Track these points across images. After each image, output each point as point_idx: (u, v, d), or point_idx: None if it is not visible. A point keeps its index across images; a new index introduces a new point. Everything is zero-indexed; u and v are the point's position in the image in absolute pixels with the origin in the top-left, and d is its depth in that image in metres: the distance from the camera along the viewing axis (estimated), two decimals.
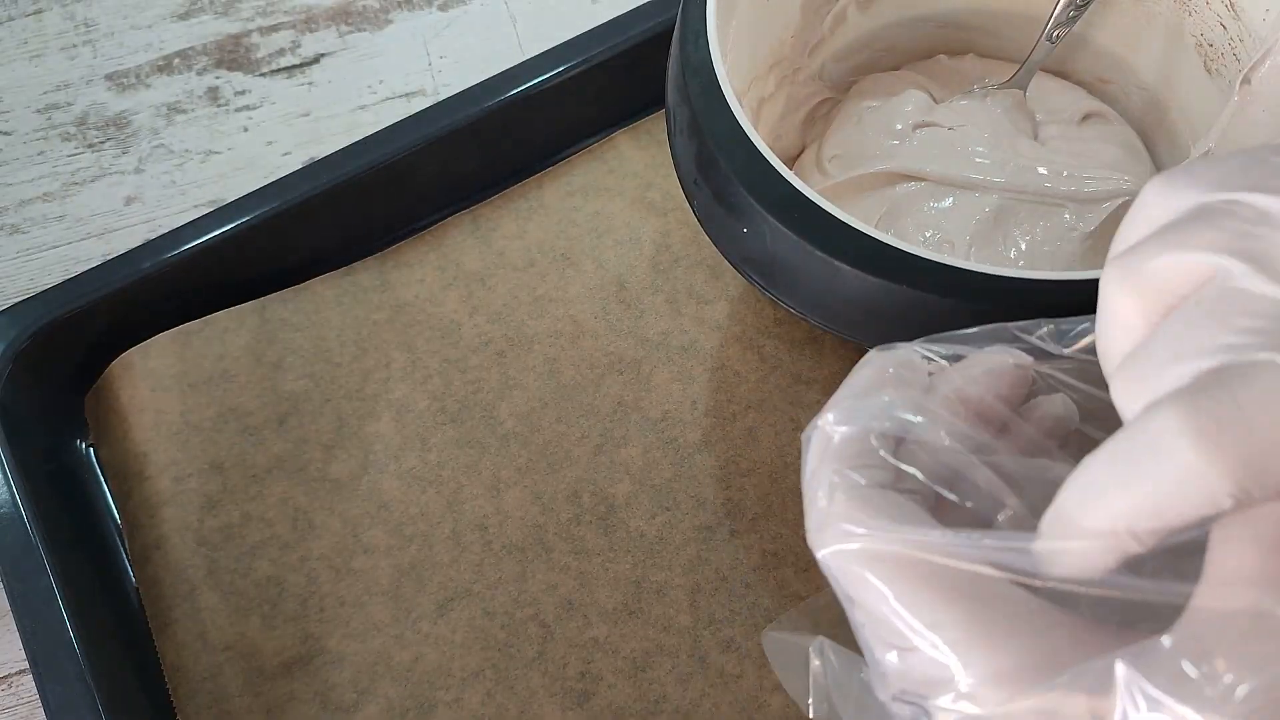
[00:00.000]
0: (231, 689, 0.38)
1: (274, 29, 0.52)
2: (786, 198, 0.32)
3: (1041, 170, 0.40)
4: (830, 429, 0.24)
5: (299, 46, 0.52)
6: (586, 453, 0.41)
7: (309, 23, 0.53)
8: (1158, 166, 0.43)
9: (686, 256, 0.44)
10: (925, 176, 0.40)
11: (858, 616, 0.23)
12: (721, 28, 0.35)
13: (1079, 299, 0.29)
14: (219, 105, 0.51)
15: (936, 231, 0.39)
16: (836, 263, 0.32)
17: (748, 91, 0.40)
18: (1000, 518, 0.23)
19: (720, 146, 0.33)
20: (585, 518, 0.40)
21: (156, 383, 0.42)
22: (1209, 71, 0.40)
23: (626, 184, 0.46)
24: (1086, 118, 0.43)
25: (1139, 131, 0.44)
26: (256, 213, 0.43)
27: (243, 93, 0.51)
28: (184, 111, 0.51)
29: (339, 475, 0.41)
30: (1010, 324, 0.26)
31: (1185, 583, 0.20)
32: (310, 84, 0.51)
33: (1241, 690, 0.18)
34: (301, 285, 0.44)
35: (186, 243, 0.43)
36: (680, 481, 0.41)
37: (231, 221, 0.43)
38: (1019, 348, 0.26)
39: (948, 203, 0.40)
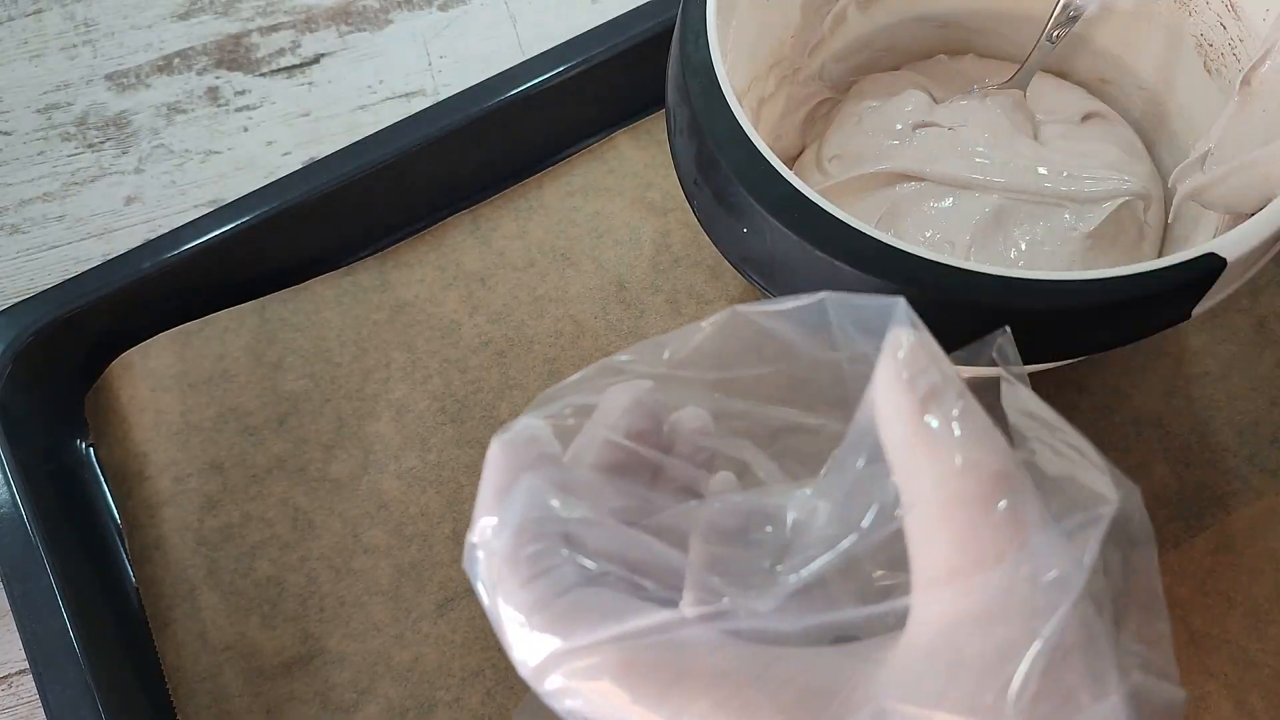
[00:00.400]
0: (231, 689, 0.38)
1: (274, 29, 0.52)
2: (787, 197, 0.32)
3: (1041, 170, 0.40)
4: (492, 544, 0.22)
5: (299, 46, 0.52)
6: None
7: (309, 23, 0.53)
8: (1158, 166, 0.43)
9: (686, 257, 0.44)
10: (925, 177, 0.40)
11: None
12: (722, 27, 0.35)
13: (1079, 299, 0.29)
14: (219, 105, 0.51)
15: (936, 231, 0.39)
16: (837, 263, 0.31)
17: (748, 91, 0.40)
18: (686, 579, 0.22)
19: (720, 146, 0.33)
20: None
21: (156, 383, 0.42)
22: (1209, 71, 0.40)
23: (626, 184, 0.46)
24: (1087, 118, 0.43)
25: (1139, 131, 0.43)
26: (256, 213, 0.43)
27: (243, 93, 0.51)
28: (184, 111, 0.51)
29: (339, 475, 0.41)
30: (608, 359, 0.26)
31: (888, 600, 0.21)
32: (310, 84, 0.51)
33: None
34: (301, 285, 0.44)
35: (186, 243, 0.43)
36: None
37: (231, 222, 0.43)
38: (625, 378, 0.25)
39: (948, 203, 0.40)
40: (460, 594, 0.39)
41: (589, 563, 0.22)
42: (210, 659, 0.39)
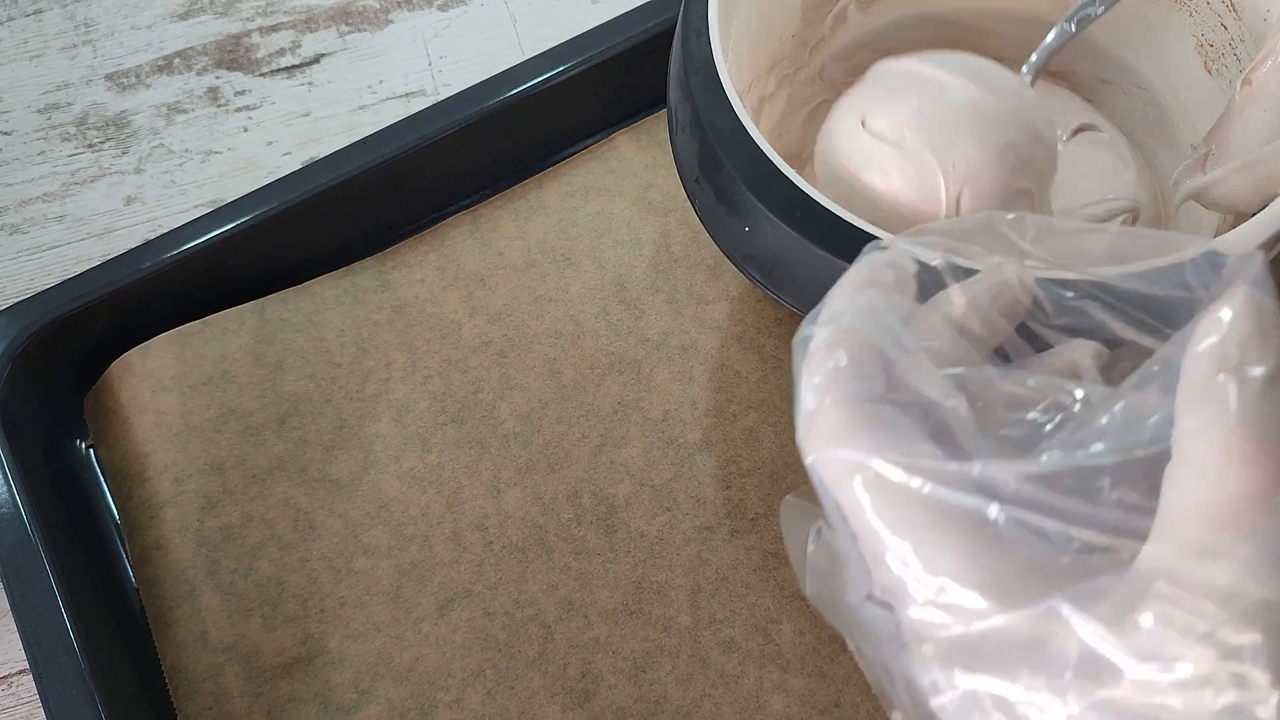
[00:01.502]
0: (232, 689, 0.38)
1: (274, 29, 0.52)
2: (788, 196, 0.32)
3: None
4: (825, 334, 0.23)
5: (299, 46, 0.52)
6: (587, 453, 0.41)
7: (309, 23, 0.53)
8: (1153, 169, 0.43)
9: (687, 256, 0.44)
10: None
11: (836, 519, 0.23)
12: (723, 26, 0.35)
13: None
14: (219, 105, 0.51)
15: None
16: (839, 261, 0.31)
17: (749, 91, 0.40)
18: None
19: (722, 144, 0.33)
20: (585, 518, 0.40)
21: (157, 384, 0.42)
22: (1209, 72, 0.40)
23: (627, 184, 0.46)
24: (1078, 131, 0.43)
25: (1139, 132, 0.44)
26: (256, 213, 0.43)
27: (243, 93, 0.51)
28: (184, 111, 0.51)
29: (339, 476, 0.41)
30: (996, 214, 0.26)
31: (1143, 517, 0.21)
32: (310, 84, 0.51)
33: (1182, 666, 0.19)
34: (301, 286, 0.44)
35: (186, 243, 0.42)
36: (681, 482, 0.41)
37: (231, 222, 0.43)
38: (1007, 244, 0.26)
39: None
40: (461, 594, 0.39)
41: (916, 386, 0.23)
42: (211, 659, 0.39)
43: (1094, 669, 0.20)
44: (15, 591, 0.38)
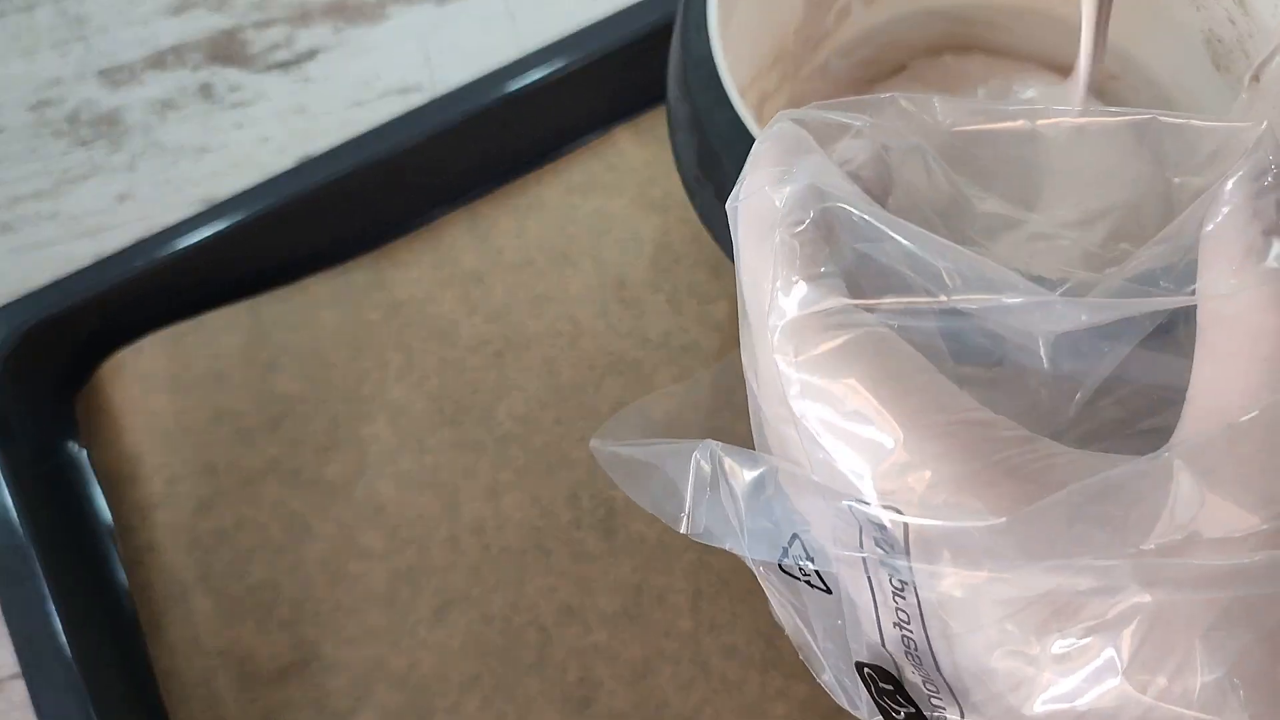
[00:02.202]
0: (225, 694, 0.38)
1: (268, 24, 0.52)
2: None
3: None
4: (773, 192, 0.21)
5: (293, 42, 0.52)
6: (586, 455, 0.41)
7: (303, 18, 0.52)
8: (1161, 165, 0.43)
9: (688, 255, 0.44)
10: None
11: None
12: (723, 22, 0.34)
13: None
14: (212, 102, 0.50)
15: None
16: None
17: (750, 87, 0.40)
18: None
19: (722, 142, 0.33)
20: (585, 521, 0.40)
21: (148, 384, 0.42)
22: (1218, 68, 0.40)
23: (626, 181, 0.45)
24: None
25: (1148, 129, 0.43)
26: (250, 211, 0.42)
27: (236, 89, 0.51)
28: (177, 108, 0.50)
29: (334, 478, 0.41)
30: (896, 96, 0.24)
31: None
32: (305, 80, 0.51)
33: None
34: (295, 285, 0.44)
35: (179, 241, 0.42)
36: None
37: (225, 220, 0.42)
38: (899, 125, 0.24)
39: None
40: (458, 599, 0.39)
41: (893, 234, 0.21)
42: (204, 664, 0.38)
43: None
44: (6, 596, 0.37)
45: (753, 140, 0.32)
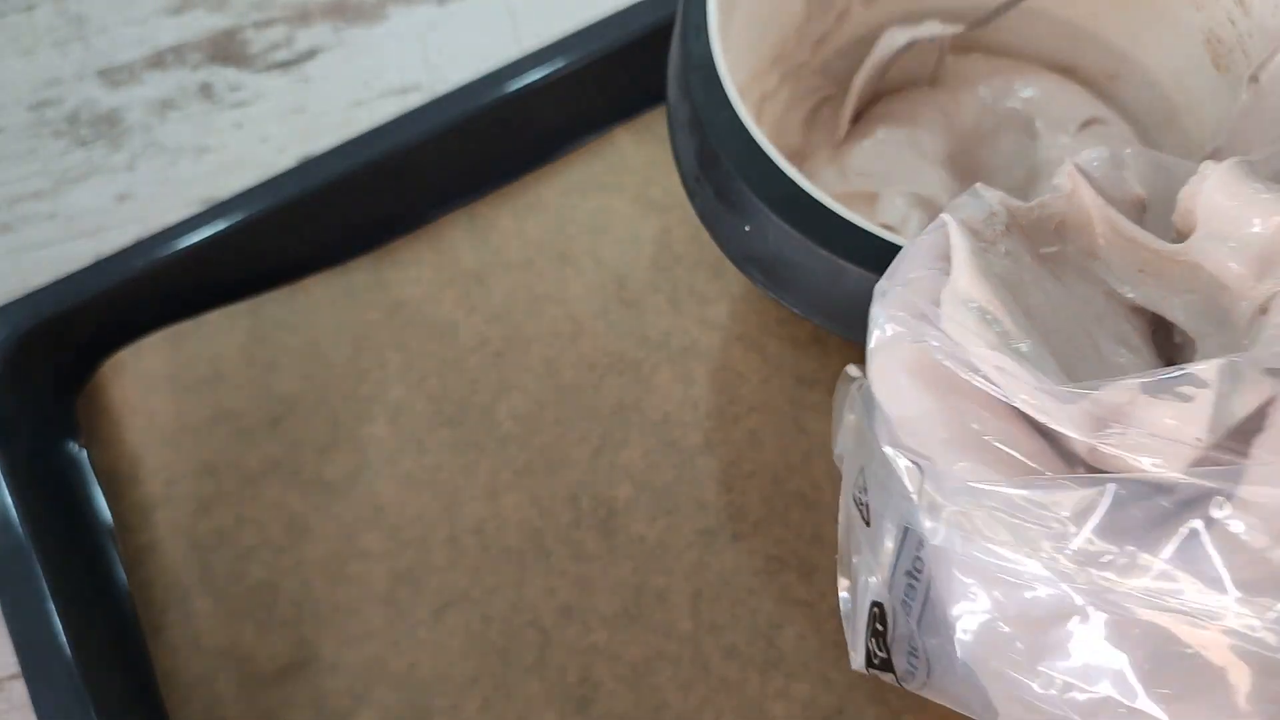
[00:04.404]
0: (225, 695, 0.38)
1: (268, 24, 0.52)
2: (789, 194, 0.32)
3: None
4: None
5: (293, 42, 0.52)
6: (586, 455, 0.41)
7: (303, 17, 0.52)
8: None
9: (688, 255, 0.44)
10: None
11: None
12: (723, 22, 0.34)
13: None
14: (212, 102, 0.50)
15: None
16: (840, 261, 0.31)
17: (750, 87, 0.40)
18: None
19: (721, 142, 0.33)
20: (585, 521, 0.40)
21: (148, 384, 0.42)
22: (1218, 68, 0.40)
23: (626, 181, 0.45)
24: (1086, 124, 0.43)
25: (1149, 129, 0.43)
26: (250, 211, 0.42)
27: (236, 89, 0.51)
28: (177, 108, 0.50)
29: (334, 478, 0.41)
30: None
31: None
32: (305, 80, 0.51)
33: None
34: (295, 285, 0.44)
35: (179, 241, 0.42)
36: (681, 485, 0.40)
37: (225, 220, 0.42)
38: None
39: None
40: (457, 599, 0.39)
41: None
42: (204, 664, 0.38)
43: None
44: (6, 596, 0.37)
45: (752, 140, 0.32)
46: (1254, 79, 0.36)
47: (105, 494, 0.42)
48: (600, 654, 0.38)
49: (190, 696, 0.38)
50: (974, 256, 0.25)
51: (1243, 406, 0.20)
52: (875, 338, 0.26)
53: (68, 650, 0.36)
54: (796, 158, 0.43)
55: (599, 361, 0.42)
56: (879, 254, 0.31)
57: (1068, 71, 0.44)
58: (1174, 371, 0.21)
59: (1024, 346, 0.23)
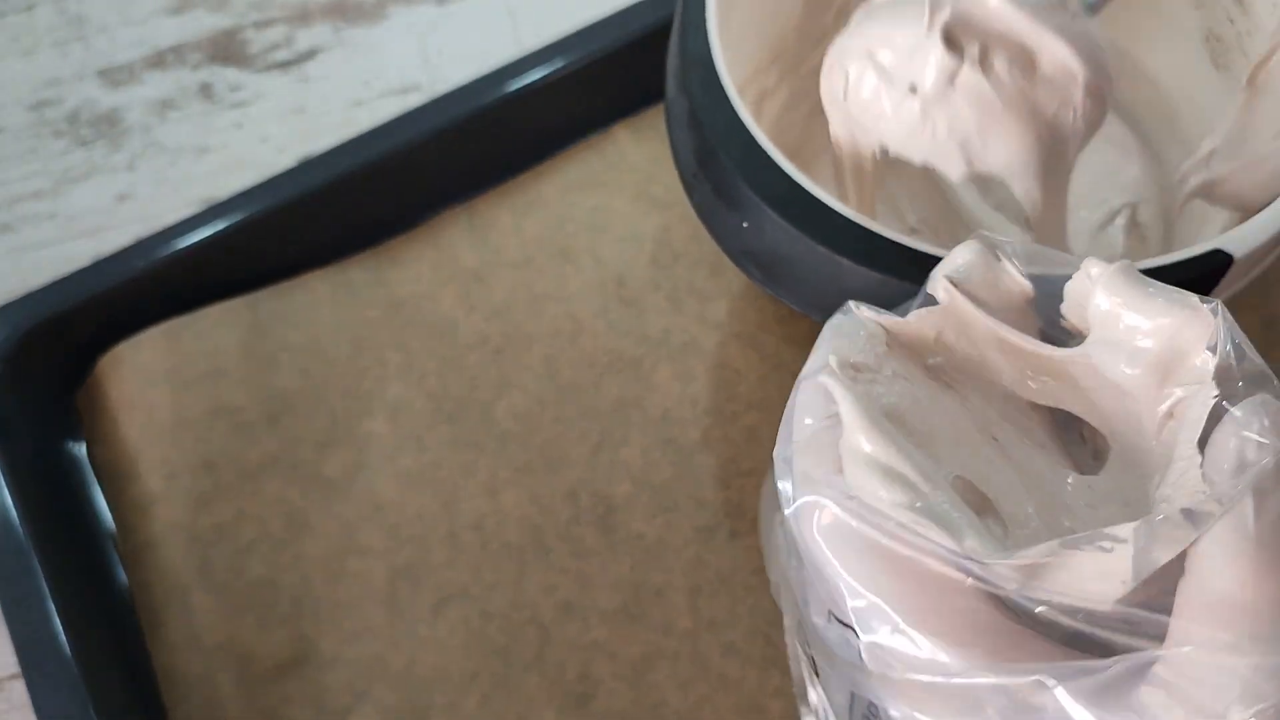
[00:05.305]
0: (224, 691, 0.38)
1: (267, 24, 0.52)
2: (787, 191, 0.32)
3: None
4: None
5: (293, 42, 0.52)
6: (585, 453, 0.41)
7: (303, 17, 0.52)
8: (1160, 162, 0.43)
9: (687, 253, 0.44)
10: None
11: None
12: (722, 19, 0.34)
13: None
14: (212, 102, 0.50)
15: None
16: (839, 258, 0.31)
17: (749, 84, 0.40)
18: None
19: (720, 139, 0.33)
20: (584, 518, 0.40)
21: (147, 379, 0.42)
22: (1217, 66, 0.40)
23: (626, 179, 0.45)
24: None
25: (1146, 126, 0.43)
26: (250, 211, 0.42)
27: (236, 89, 0.51)
28: (177, 108, 0.50)
29: (333, 475, 0.41)
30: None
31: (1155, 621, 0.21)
32: (305, 80, 0.51)
33: None
34: (295, 281, 0.44)
35: (179, 241, 0.42)
36: (680, 482, 0.40)
37: (225, 220, 0.42)
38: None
39: None
40: (457, 596, 0.39)
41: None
42: (203, 661, 0.38)
43: None
44: (6, 595, 0.37)
45: (750, 136, 0.32)
46: (1253, 78, 0.36)
47: (104, 490, 0.41)
48: (599, 651, 0.38)
49: (189, 693, 0.38)
50: (861, 408, 0.23)
51: (1163, 555, 0.20)
52: (793, 509, 0.24)
53: (67, 649, 0.36)
54: (797, 156, 0.43)
55: (598, 359, 0.42)
56: (876, 251, 0.31)
57: None
58: (1088, 534, 0.21)
59: (936, 502, 0.22)
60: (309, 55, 0.51)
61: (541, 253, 0.44)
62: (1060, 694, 0.20)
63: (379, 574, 0.39)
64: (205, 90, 0.51)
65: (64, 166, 0.49)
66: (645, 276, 0.44)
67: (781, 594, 0.28)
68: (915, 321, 0.26)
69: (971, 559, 0.21)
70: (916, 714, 0.22)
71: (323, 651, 0.38)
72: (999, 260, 0.26)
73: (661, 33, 0.44)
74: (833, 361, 0.25)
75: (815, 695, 0.27)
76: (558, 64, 0.44)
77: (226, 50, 0.52)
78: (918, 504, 0.22)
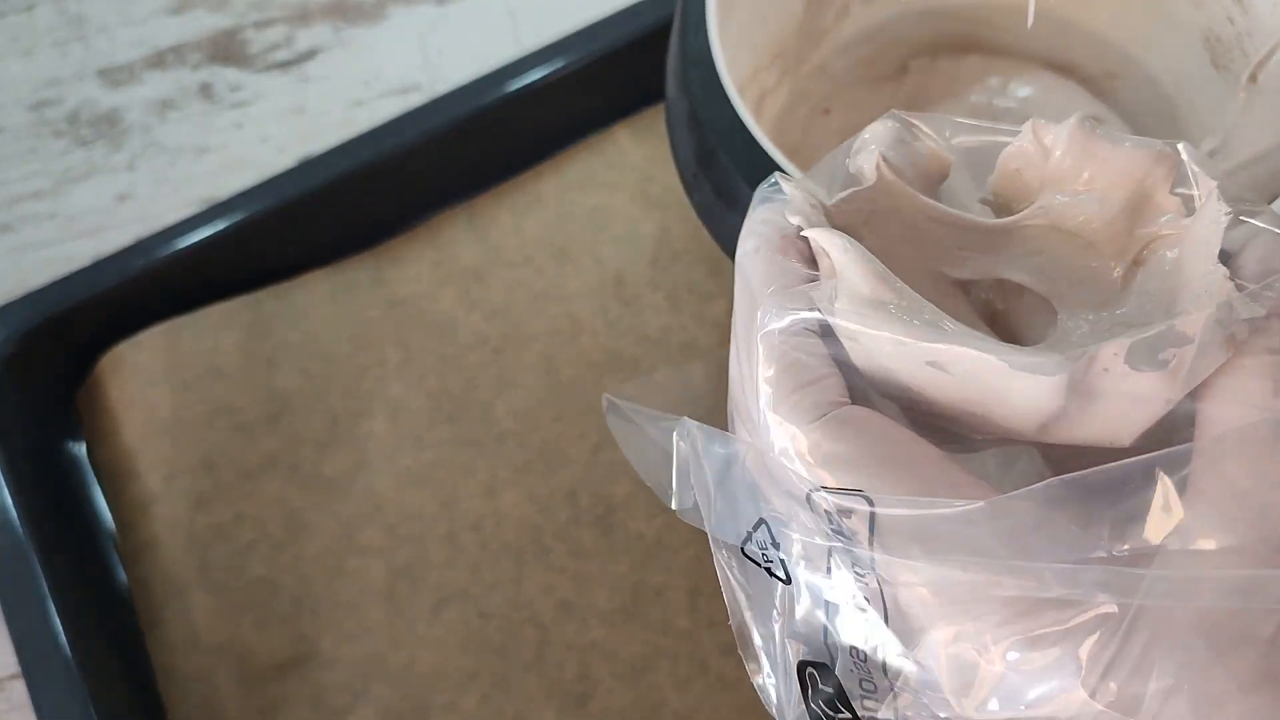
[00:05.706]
0: (223, 691, 0.38)
1: (268, 24, 0.52)
2: None
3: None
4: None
5: (293, 42, 0.52)
6: (585, 452, 0.41)
7: (303, 17, 0.52)
8: None
9: (687, 252, 0.44)
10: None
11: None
12: (722, 19, 0.34)
13: None
14: (212, 102, 0.50)
15: None
16: None
17: (749, 84, 0.40)
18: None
19: (720, 138, 0.33)
20: (583, 518, 0.40)
21: (147, 378, 0.42)
22: (1216, 66, 0.40)
23: (626, 178, 0.45)
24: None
25: (1146, 126, 0.43)
26: (250, 211, 0.42)
27: (236, 89, 0.51)
28: (177, 108, 0.50)
29: (332, 474, 0.41)
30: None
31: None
32: (305, 80, 0.51)
33: None
34: (295, 280, 0.44)
35: (179, 241, 0.42)
36: None
37: (225, 220, 0.42)
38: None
39: None
40: (456, 595, 0.39)
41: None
42: (202, 660, 0.38)
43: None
44: (6, 595, 0.37)
45: (750, 136, 0.32)
46: (1253, 78, 0.36)
47: (104, 490, 0.42)
48: (598, 650, 0.38)
49: (189, 692, 0.38)
50: (860, 253, 0.22)
51: (1206, 368, 0.20)
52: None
53: (67, 649, 0.36)
54: (797, 156, 0.43)
55: (598, 359, 0.42)
56: None
57: (1065, 70, 0.44)
58: (1157, 328, 0.20)
59: (949, 325, 0.21)
60: (309, 55, 0.51)
61: (541, 252, 0.44)
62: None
63: (378, 573, 0.39)
64: (205, 90, 0.51)
65: (64, 166, 0.49)
66: (644, 276, 0.44)
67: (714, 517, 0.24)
68: (847, 201, 0.24)
69: (1024, 367, 0.20)
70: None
71: (322, 651, 0.38)
72: (914, 136, 0.25)
73: (661, 33, 0.44)
74: (799, 221, 0.23)
75: (764, 631, 0.24)
76: (558, 64, 0.44)
77: (226, 50, 0.52)
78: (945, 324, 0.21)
